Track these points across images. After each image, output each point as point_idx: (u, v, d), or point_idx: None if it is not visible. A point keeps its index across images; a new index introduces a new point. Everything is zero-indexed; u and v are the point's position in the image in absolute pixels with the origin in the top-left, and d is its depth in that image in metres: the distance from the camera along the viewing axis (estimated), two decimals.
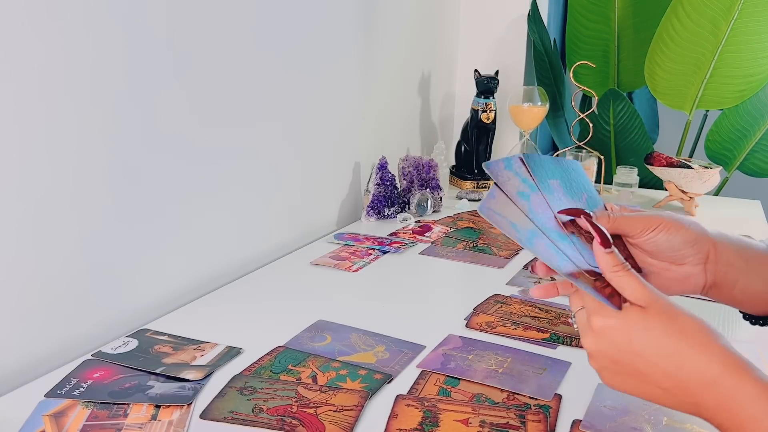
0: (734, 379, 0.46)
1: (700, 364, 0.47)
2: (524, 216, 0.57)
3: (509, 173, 0.60)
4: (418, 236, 1.26)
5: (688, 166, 1.43)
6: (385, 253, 1.16)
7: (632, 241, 0.58)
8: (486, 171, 0.59)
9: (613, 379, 0.52)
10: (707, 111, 2.15)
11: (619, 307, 0.51)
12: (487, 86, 1.61)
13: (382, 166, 1.36)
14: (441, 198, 1.46)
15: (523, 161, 0.60)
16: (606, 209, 0.61)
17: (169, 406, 0.65)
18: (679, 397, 0.48)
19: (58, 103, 0.72)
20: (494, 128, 1.67)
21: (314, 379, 0.71)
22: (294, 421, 0.63)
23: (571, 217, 0.57)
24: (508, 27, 1.90)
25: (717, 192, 2.10)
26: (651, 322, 0.49)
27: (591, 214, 0.56)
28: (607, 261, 0.52)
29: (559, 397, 0.68)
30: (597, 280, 0.53)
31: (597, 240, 0.52)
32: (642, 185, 1.83)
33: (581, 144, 1.67)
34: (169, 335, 0.82)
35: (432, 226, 1.33)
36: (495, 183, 0.59)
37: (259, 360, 0.75)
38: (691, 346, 0.47)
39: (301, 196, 1.23)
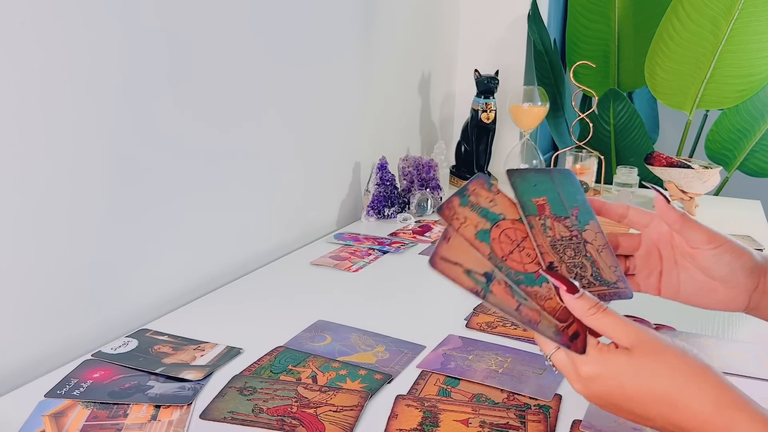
0: (728, 417, 0.46)
1: (692, 403, 0.47)
2: (482, 259, 0.54)
3: (465, 210, 0.55)
4: (418, 236, 1.26)
5: (689, 166, 1.43)
6: (385, 253, 1.16)
7: (690, 251, 0.58)
8: (439, 216, 0.55)
9: (612, 413, 0.52)
10: (707, 111, 2.15)
11: (583, 351, 0.50)
12: (487, 86, 1.61)
13: (382, 166, 1.36)
14: (441, 198, 1.46)
15: (488, 182, 0.57)
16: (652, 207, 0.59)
17: (168, 407, 0.65)
18: None
19: (56, 102, 0.72)
20: (494, 128, 1.67)
21: (314, 379, 0.71)
22: (294, 422, 0.63)
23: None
24: (508, 27, 1.90)
25: (717, 192, 2.10)
26: (639, 365, 0.48)
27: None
28: (580, 305, 0.50)
29: (559, 397, 0.68)
30: (561, 321, 0.52)
31: (563, 288, 0.51)
32: (642, 185, 1.83)
33: (581, 144, 1.67)
34: (169, 335, 0.82)
35: (432, 226, 1.33)
36: (449, 226, 0.55)
37: (259, 360, 0.75)
38: (683, 385, 0.47)
39: (301, 196, 1.23)
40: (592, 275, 0.55)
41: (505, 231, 0.55)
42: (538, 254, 0.55)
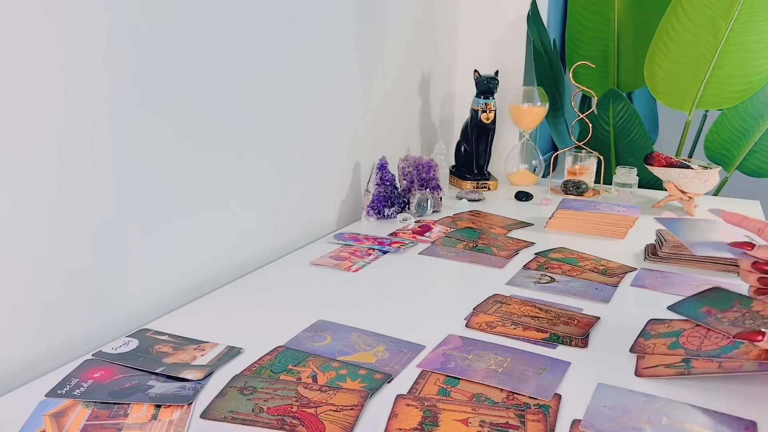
0: None
1: None
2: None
3: (650, 342, 0.74)
4: (418, 236, 1.26)
5: (688, 166, 1.43)
6: (385, 253, 1.16)
7: None
8: (631, 352, 0.74)
9: None
10: (707, 111, 2.15)
11: None
12: (487, 86, 1.61)
13: (382, 166, 1.36)
14: (441, 198, 1.47)
15: (661, 320, 0.78)
16: None
17: (169, 406, 0.65)
18: None
19: (59, 102, 0.72)
20: (494, 128, 1.67)
21: (314, 378, 0.71)
22: (294, 421, 0.63)
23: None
24: (508, 27, 1.90)
25: (716, 192, 2.11)
26: None
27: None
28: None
29: (558, 396, 0.68)
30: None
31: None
32: (641, 185, 1.83)
33: (581, 144, 1.67)
34: (170, 335, 0.82)
35: (432, 226, 1.33)
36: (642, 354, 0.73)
37: (259, 360, 0.75)
38: None
39: (301, 196, 1.23)
40: None
41: (689, 334, 0.71)
42: (724, 333, 0.68)
